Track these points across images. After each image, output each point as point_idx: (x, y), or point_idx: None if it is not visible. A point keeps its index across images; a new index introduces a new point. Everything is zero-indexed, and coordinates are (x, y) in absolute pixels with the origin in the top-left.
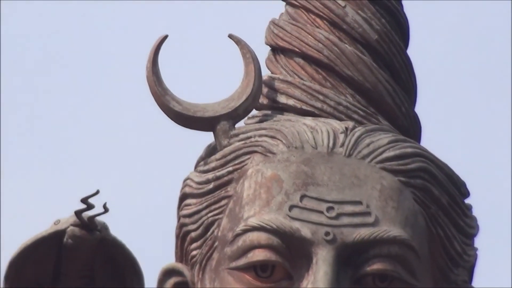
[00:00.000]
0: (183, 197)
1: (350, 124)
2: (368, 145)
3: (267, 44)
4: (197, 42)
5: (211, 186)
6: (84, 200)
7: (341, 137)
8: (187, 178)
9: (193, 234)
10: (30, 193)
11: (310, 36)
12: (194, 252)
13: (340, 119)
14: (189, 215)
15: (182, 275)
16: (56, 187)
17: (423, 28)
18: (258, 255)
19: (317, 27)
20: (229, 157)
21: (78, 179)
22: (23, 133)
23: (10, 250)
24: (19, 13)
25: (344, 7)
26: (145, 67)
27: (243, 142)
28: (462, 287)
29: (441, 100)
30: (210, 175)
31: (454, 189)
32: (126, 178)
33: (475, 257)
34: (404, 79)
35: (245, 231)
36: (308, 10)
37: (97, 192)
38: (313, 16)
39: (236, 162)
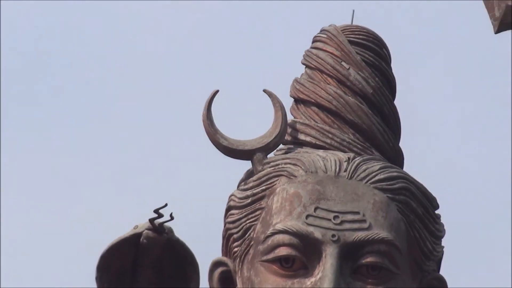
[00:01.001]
0: (228, 208)
1: (351, 155)
2: (364, 170)
3: (291, 96)
4: (241, 94)
5: (249, 200)
6: (156, 211)
7: (345, 164)
8: (232, 195)
9: (235, 236)
10: (116, 205)
11: (322, 91)
12: (235, 249)
13: (344, 151)
14: (233, 222)
15: (226, 265)
16: (135, 200)
17: (407, 83)
18: (283, 251)
19: (328, 84)
20: (262, 179)
21: (152, 195)
22: (102, 162)
23: (102, 247)
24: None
25: (348, 69)
26: (202, 114)
27: (273, 168)
28: (433, 275)
29: (417, 138)
30: (248, 192)
31: (427, 202)
32: (187, 195)
33: (442, 253)
34: (391, 122)
35: (273, 233)
36: (321, 71)
37: (166, 205)
38: (325, 76)
39: (268, 183)
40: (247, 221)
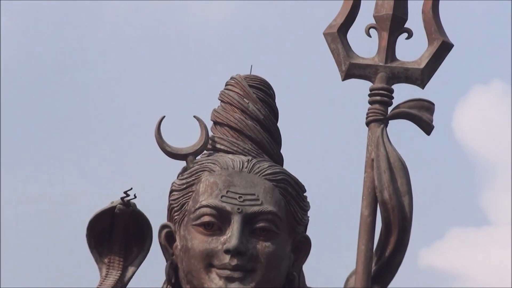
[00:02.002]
0: (171, 191)
1: (250, 158)
2: (258, 167)
3: (211, 120)
4: (179, 118)
5: (184, 186)
6: (125, 192)
7: (246, 163)
8: (173, 182)
9: (175, 208)
10: (99, 188)
11: (231, 117)
12: (176, 217)
13: (245, 155)
14: (174, 200)
15: (170, 228)
16: (113, 184)
17: (286, 111)
18: (206, 218)
19: (235, 112)
20: (193, 173)
21: (124, 182)
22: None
23: (88, 217)
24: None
25: (248, 103)
26: (154, 130)
27: (199, 165)
28: (302, 234)
29: (292, 147)
30: (184, 181)
31: (298, 188)
32: (146, 181)
33: (307, 220)
34: (275, 137)
35: (200, 207)
36: (231, 104)
37: (131, 188)
38: (233, 107)
39: (196, 175)
40: (183, 199)
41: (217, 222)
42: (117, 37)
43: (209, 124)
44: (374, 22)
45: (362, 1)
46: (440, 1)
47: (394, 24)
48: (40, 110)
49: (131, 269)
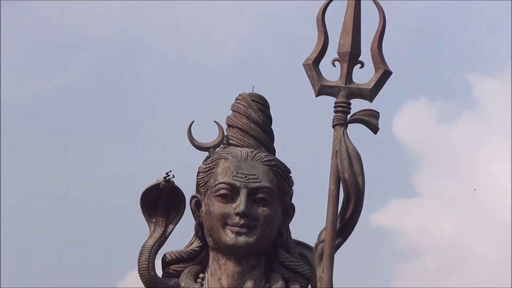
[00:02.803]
0: (198, 172)
1: (253, 149)
2: (258, 156)
3: (226, 123)
4: (204, 122)
5: (207, 169)
6: (166, 173)
7: (250, 153)
8: (200, 166)
9: (201, 184)
10: (147, 169)
11: (240, 121)
12: (201, 190)
13: (249, 148)
14: (200, 178)
15: (197, 198)
16: (156, 167)
17: (277, 118)
18: (223, 191)
19: (242, 118)
20: (213, 160)
21: (166, 166)
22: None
23: (142, 190)
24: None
25: (251, 112)
26: (186, 131)
27: (217, 155)
28: (288, 202)
29: (280, 144)
30: (207, 166)
31: (286, 170)
32: (180, 166)
33: (292, 193)
34: (270, 136)
35: (218, 183)
36: (239, 113)
37: (170, 171)
38: (240, 115)
39: (216, 161)
40: (207, 178)
41: (230, 194)
42: (165, 66)
43: (224, 127)
44: (338, 56)
45: (329, 42)
46: (383, 41)
47: (351, 58)
48: (100, 113)
49: (171, 227)
